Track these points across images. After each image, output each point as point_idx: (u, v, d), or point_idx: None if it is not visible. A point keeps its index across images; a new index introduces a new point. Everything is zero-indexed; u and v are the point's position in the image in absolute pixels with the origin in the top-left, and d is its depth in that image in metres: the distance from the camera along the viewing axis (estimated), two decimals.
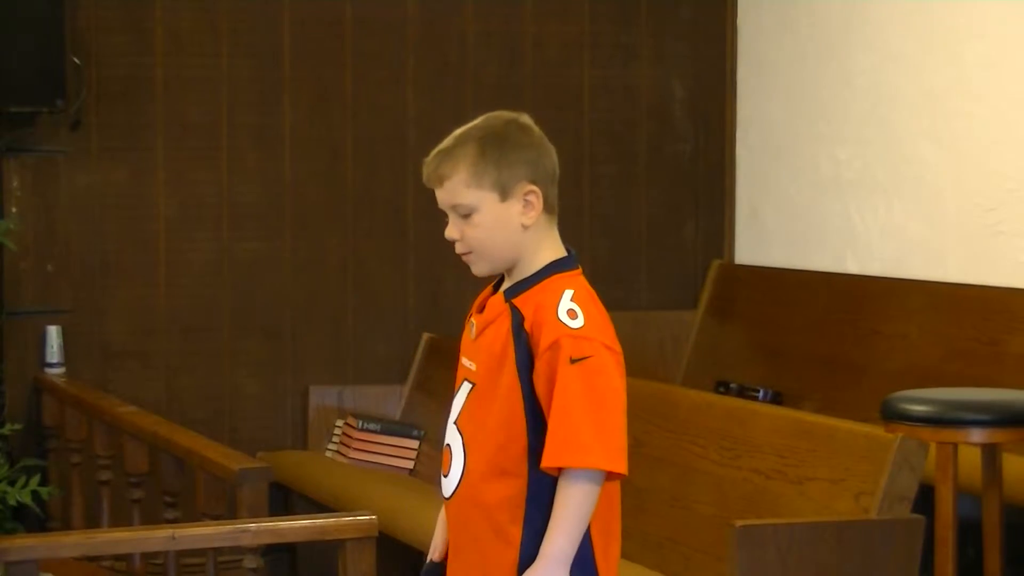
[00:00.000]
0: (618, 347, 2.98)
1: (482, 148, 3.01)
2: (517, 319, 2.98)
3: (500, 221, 3.01)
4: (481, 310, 3.08)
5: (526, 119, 3.08)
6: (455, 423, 3.05)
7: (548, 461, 2.90)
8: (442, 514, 3.14)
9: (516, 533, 2.97)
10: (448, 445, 3.06)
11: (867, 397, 5.51)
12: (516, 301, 3.00)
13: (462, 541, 3.04)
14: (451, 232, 3.05)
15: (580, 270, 3.06)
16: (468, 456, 3.01)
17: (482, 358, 3.01)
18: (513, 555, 2.97)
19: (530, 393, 2.95)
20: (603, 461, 2.89)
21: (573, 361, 2.90)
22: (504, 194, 3.00)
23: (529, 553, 2.95)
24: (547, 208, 3.04)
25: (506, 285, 3.06)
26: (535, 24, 6.78)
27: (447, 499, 3.06)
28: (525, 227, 3.02)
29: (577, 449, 2.88)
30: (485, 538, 2.99)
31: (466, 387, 3.04)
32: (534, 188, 3.02)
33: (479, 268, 3.05)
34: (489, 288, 3.14)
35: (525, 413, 2.95)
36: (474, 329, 3.06)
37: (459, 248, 3.04)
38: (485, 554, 2.99)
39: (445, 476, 3.06)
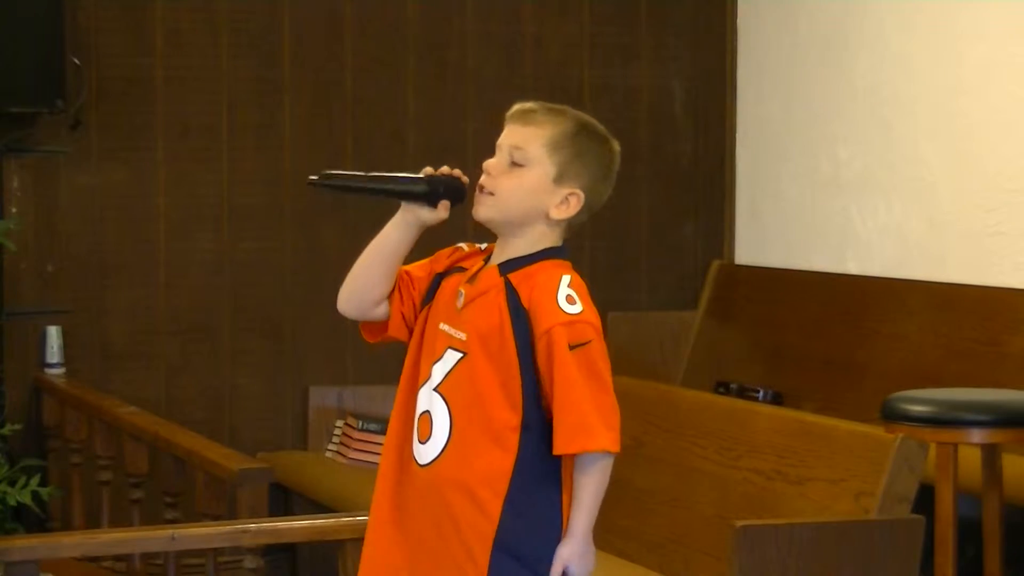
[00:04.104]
0: (602, 335, 3.07)
1: (577, 131, 3.08)
2: (513, 296, 3.03)
3: (536, 193, 3.05)
4: (471, 281, 3.09)
5: (618, 148, 3.14)
6: (436, 390, 3.06)
7: (561, 448, 2.98)
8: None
9: (496, 506, 3.00)
10: (427, 412, 3.06)
11: (867, 397, 5.51)
12: (512, 277, 3.05)
13: (430, 510, 3.04)
14: (490, 165, 3.08)
15: (570, 264, 3.11)
16: (456, 425, 3.03)
17: (475, 329, 3.04)
18: (491, 528, 3.00)
19: (529, 368, 3.00)
20: (609, 443, 2.98)
21: (572, 347, 2.97)
22: (559, 178, 3.06)
23: (507, 528, 3.00)
24: (572, 222, 3.10)
25: (498, 259, 3.09)
26: (535, 24, 6.78)
27: (422, 466, 3.05)
28: (549, 218, 3.07)
29: (587, 435, 2.97)
30: (461, 508, 3.01)
31: (453, 355, 3.05)
32: (580, 195, 3.07)
33: (485, 212, 3.07)
34: (455, 252, 3.17)
35: (523, 388, 3.00)
36: (462, 298, 3.08)
37: (485, 181, 3.07)
38: (459, 524, 3.01)
39: (423, 443, 3.06)
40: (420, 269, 3.18)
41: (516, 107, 3.11)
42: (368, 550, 3.15)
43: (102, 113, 6.30)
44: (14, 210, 6.19)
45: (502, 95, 6.45)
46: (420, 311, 3.15)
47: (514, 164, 3.06)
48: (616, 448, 2.99)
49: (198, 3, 6.40)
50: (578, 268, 3.14)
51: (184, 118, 6.40)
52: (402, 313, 3.16)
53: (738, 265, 6.96)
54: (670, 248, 6.98)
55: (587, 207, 3.09)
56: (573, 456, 3.00)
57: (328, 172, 3.13)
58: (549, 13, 6.79)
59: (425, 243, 3.19)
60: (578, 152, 3.06)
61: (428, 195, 3.07)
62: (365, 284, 3.16)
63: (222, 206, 6.45)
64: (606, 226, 6.85)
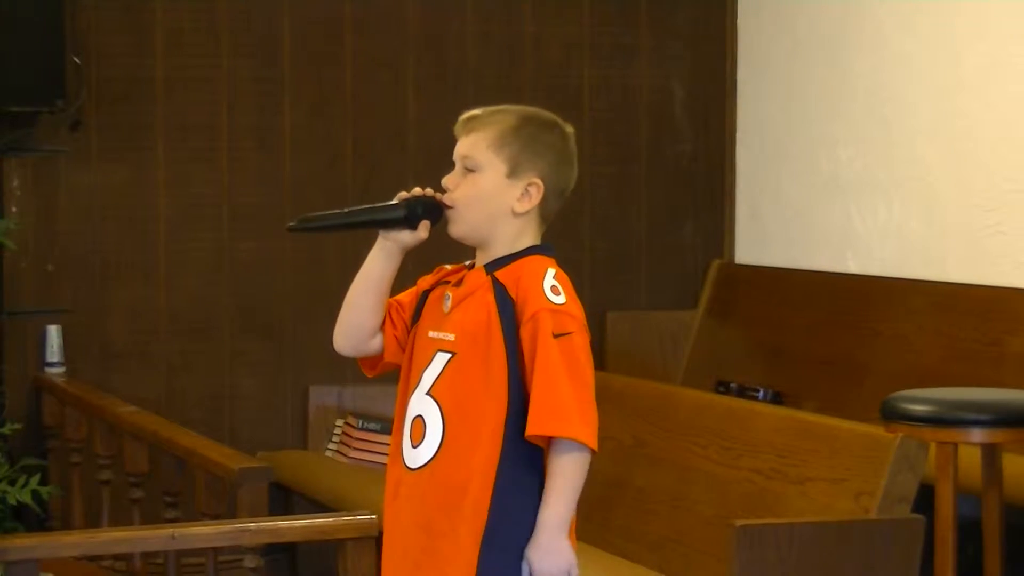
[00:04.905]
0: (587, 330, 3.09)
1: (519, 124, 3.11)
2: (500, 289, 3.06)
3: (494, 193, 3.09)
4: (457, 284, 3.12)
5: (570, 131, 3.17)
6: (427, 393, 3.08)
7: (533, 429, 2.98)
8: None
9: (485, 501, 3.01)
10: (419, 416, 3.08)
11: (867, 397, 5.51)
12: (498, 274, 3.08)
13: (422, 513, 3.06)
14: (448, 180, 3.13)
15: (555, 261, 3.12)
16: (448, 425, 3.05)
17: (462, 329, 3.06)
18: (481, 523, 3.01)
19: (515, 361, 3.02)
20: (584, 435, 2.98)
21: (556, 336, 2.99)
22: (512, 173, 3.09)
23: (496, 520, 3.01)
24: (542, 211, 3.13)
25: (482, 261, 3.12)
26: (535, 24, 6.78)
27: (413, 469, 3.08)
28: (515, 213, 3.10)
29: (562, 419, 2.97)
30: (455, 508, 3.03)
31: (442, 357, 3.08)
32: (539, 183, 3.09)
33: (455, 228, 3.11)
34: (439, 271, 3.20)
35: (509, 380, 3.02)
36: (449, 301, 3.11)
37: (446, 198, 3.11)
38: (454, 523, 3.03)
39: (415, 447, 3.08)
40: (407, 295, 3.22)
41: (460, 119, 3.15)
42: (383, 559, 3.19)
43: (102, 113, 6.30)
44: (14, 209, 6.19)
45: (502, 95, 6.47)
46: (411, 330, 3.18)
47: (468, 172, 3.10)
48: (593, 444, 2.98)
49: (198, 3, 6.40)
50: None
51: (184, 118, 6.40)
52: (395, 337, 3.19)
53: (738, 265, 6.96)
54: (670, 248, 6.98)
55: (552, 194, 3.11)
56: (549, 443, 2.99)
57: (305, 216, 3.17)
58: (549, 13, 6.79)
59: (410, 268, 3.21)
60: (525, 143, 3.09)
61: (408, 219, 3.11)
62: (357, 318, 3.19)
63: (222, 206, 6.45)
64: (606, 226, 6.86)
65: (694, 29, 6.97)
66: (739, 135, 7.00)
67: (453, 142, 3.18)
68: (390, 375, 3.30)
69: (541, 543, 2.98)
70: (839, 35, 6.45)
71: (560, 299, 3.02)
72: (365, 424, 6.31)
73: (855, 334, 6.15)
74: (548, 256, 3.11)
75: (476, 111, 3.14)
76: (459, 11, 6.69)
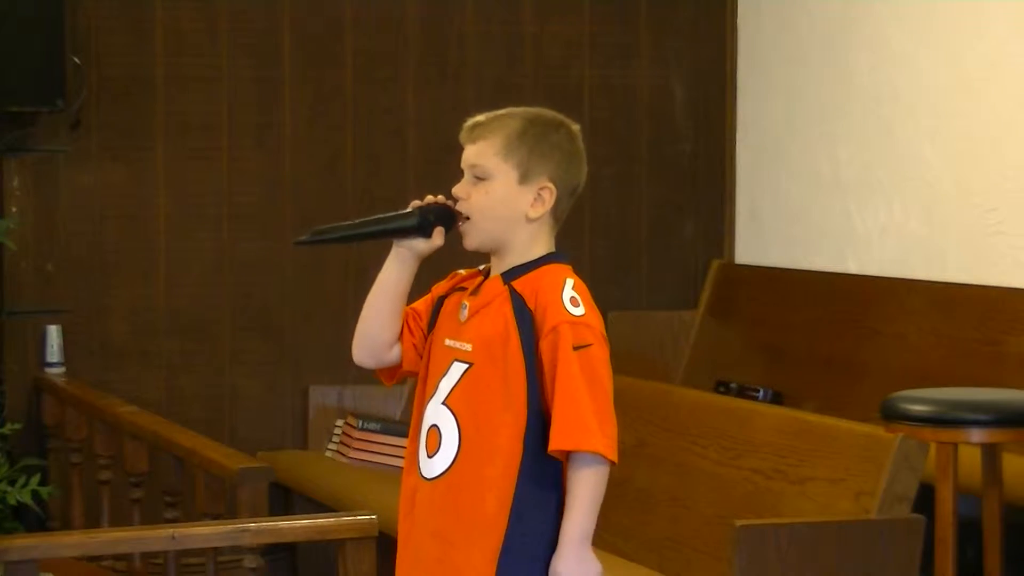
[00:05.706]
0: (606, 340, 3.07)
1: (525, 128, 3.10)
2: (518, 300, 3.04)
3: (507, 200, 3.08)
4: (474, 293, 3.11)
5: (577, 129, 3.20)
6: (443, 403, 3.07)
7: (556, 444, 2.97)
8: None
9: (503, 514, 3.01)
10: (435, 426, 3.08)
11: (867, 397, 5.50)
12: (515, 284, 3.07)
13: (436, 523, 3.06)
14: (459, 190, 3.11)
15: (571, 268, 3.12)
16: (465, 436, 3.04)
17: (480, 339, 3.06)
18: (498, 536, 3.01)
19: (533, 373, 3.01)
20: (605, 448, 2.97)
21: (576, 348, 2.98)
22: (523, 178, 3.09)
23: (515, 532, 3.01)
24: (555, 213, 3.12)
25: (498, 270, 3.11)
26: (535, 24, 6.78)
27: (429, 479, 3.07)
28: (529, 218, 3.09)
29: (583, 433, 2.96)
30: (471, 519, 3.03)
31: (459, 367, 3.07)
32: (551, 187, 3.09)
33: (470, 239, 3.11)
34: (453, 277, 3.20)
35: (527, 392, 3.01)
36: (466, 310, 3.10)
37: (460, 207, 3.10)
38: (470, 535, 3.02)
39: (430, 457, 3.08)
40: (422, 303, 3.21)
41: (464, 126, 3.14)
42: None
43: (102, 113, 6.30)
44: (14, 209, 6.19)
45: (502, 95, 6.49)
46: (427, 337, 3.18)
47: (478, 180, 3.09)
48: (612, 456, 2.98)
49: (198, 3, 6.40)
50: (578, 267, 3.15)
51: (184, 118, 6.40)
52: (414, 345, 3.19)
53: (738, 265, 6.96)
54: (670, 248, 6.98)
55: (565, 194, 3.12)
56: (569, 457, 2.99)
57: (316, 229, 3.16)
58: (549, 13, 6.79)
59: (423, 275, 3.21)
60: (532, 147, 3.09)
61: (420, 227, 3.11)
62: (375, 328, 3.17)
63: (222, 206, 6.45)
64: (606, 226, 6.86)
65: (694, 29, 6.97)
66: (739, 135, 7.00)
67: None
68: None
69: (568, 555, 2.98)
70: (839, 35, 6.45)
71: (579, 310, 3.01)
72: (365, 424, 6.31)
73: (855, 334, 6.15)
74: (564, 264, 3.11)
75: (480, 117, 3.13)
76: (459, 11, 6.69)
